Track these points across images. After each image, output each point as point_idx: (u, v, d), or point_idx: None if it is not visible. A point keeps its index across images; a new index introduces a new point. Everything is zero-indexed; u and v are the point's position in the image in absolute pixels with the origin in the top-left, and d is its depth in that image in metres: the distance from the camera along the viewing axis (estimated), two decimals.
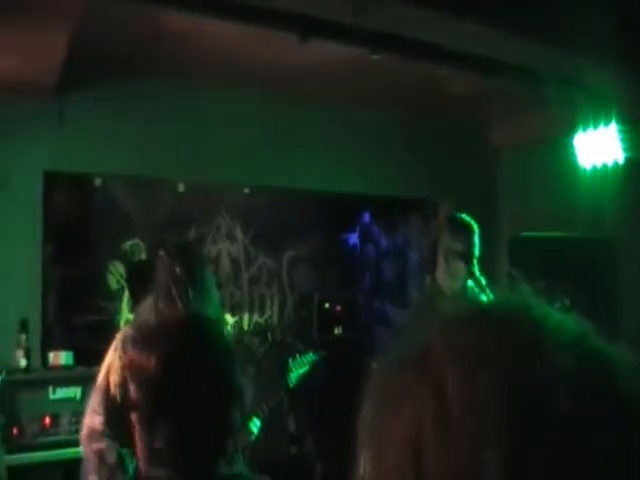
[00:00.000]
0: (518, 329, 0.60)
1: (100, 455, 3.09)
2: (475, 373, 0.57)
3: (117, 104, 5.34)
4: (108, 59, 4.96)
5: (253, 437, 3.58)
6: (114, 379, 3.13)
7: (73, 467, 3.41)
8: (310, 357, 4.34)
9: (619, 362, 0.59)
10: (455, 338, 0.62)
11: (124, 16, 4.21)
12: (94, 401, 3.22)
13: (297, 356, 4.68)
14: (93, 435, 3.14)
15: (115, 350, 3.21)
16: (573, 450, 0.53)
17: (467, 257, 3.68)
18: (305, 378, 4.25)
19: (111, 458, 3.07)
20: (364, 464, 0.63)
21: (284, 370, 6.33)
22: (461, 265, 3.68)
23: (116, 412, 3.10)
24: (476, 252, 3.73)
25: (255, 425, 3.61)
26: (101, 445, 3.10)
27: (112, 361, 3.18)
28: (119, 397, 3.09)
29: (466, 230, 3.78)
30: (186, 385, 1.59)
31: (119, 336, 3.27)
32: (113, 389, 3.12)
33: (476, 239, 3.75)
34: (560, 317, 0.62)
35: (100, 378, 3.21)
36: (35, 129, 5.01)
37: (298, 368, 4.22)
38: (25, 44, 4.02)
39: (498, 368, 0.57)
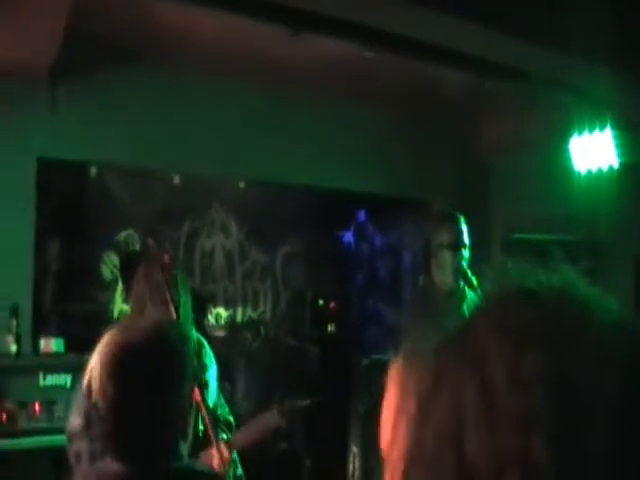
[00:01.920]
0: (565, 309, 0.58)
1: (77, 457, 3.14)
2: (522, 354, 0.54)
3: (112, 93, 5.35)
4: (104, 47, 4.97)
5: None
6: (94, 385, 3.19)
7: (62, 454, 3.41)
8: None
9: None
10: (499, 318, 0.59)
11: (121, 3, 4.22)
12: (78, 402, 3.28)
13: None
14: (74, 436, 3.19)
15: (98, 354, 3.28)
16: (624, 434, 0.52)
17: (454, 246, 3.68)
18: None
19: (85, 461, 3.11)
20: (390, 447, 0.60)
21: (275, 365, 6.35)
22: (449, 255, 3.68)
23: (94, 415, 3.18)
24: (464, 241, 3.72)
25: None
26: (79, 447, 3.15)
27: (94, 366, 3.24)
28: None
29: (449, 219, 3.79)
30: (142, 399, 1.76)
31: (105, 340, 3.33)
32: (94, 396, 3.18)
33: (461, 227, 3.73)
34: (603, 297, 0.60)
35: (84, 382, 3.26)
36: (29, 115, 5.02)
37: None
38: (19, 30, 4.03)
39: (546, 349, 0.54)
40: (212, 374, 3.39)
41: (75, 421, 3.21)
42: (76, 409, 3.24)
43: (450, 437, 0.55)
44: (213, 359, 3.42)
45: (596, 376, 0.53)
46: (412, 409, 0.60)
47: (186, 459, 1.87)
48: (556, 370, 0.53)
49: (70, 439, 3.19)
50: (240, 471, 3.40)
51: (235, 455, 3.44)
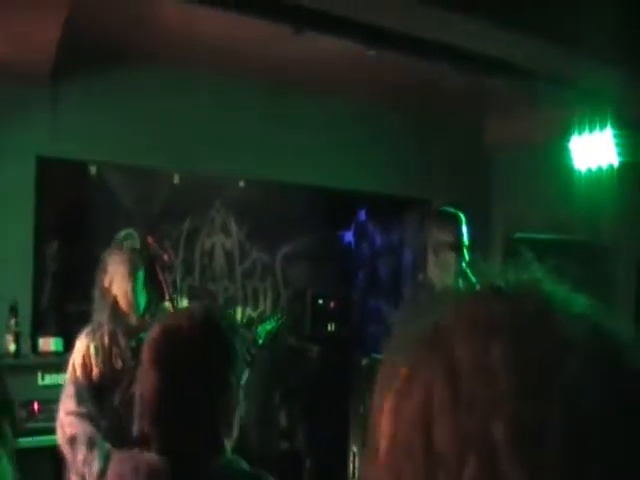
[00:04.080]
0: (528, 302, 0.61)
1: (72, 441, 3.11)
2: (487, 344, 0.57)
3: (112, 92, 5.34)
4: (103, 46, 4.97)
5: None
6: (84, 360, 3.21)
7: (60, 454, 3.41)
8: (276, 315, 4.50)
9: (625, 337, 0.60)
10: (466, 311, 0.63)
11: (121, 2, 4.21)
12: (68, 388, 3.26)
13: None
14: (65, 419, 3.17)
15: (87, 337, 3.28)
16: (581, 418, 0.54)
17: (456, 247, 3.67)
18: (272, 335, 4.36)
19: (83, 446, 3.09)
20: (371, 446, 0.63)
21: (275, 363, 6.33)
22: (451, 256, 3.67)
23: (85, 389, 3.18)
24: (465, 241, 3.72)
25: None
26: (73, 431, 3.12)
27: (85, 348, 3.25)
28: (84, 375, 3.18)
29: (452, 220, 3.78)
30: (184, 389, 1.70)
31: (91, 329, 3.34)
32: (79, 370, 3.20)
33: (463, 229, 3.73)
34: (569, 292, 0.63)
35: (72, 367, 3.27)
36: (28, 114, 5.01)
37: (265, 324, 4.30)
38: (19, 29, 4.02)
39: (509, 340, 0.57)
40: None
41: (67, 406, 3.19)
42: (66, 395, 3.23)
43: (420, 425, 0.58)
44: None
45: (554, 364, 0.56)
46: (389, 403, 0.63)
47: (230, 455, 1.77)
48: (518, 358, 0.57)
49: (62, 424, 3.17)
50: None
51: None
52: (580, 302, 0.62)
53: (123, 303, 3.36)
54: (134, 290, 3.35)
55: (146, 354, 1.73)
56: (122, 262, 3.38)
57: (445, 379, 0.58)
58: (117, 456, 1.88)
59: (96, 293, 3.45)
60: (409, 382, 0.61)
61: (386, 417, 0.62)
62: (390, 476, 0.60)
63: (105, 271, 3.42)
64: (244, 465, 1.78)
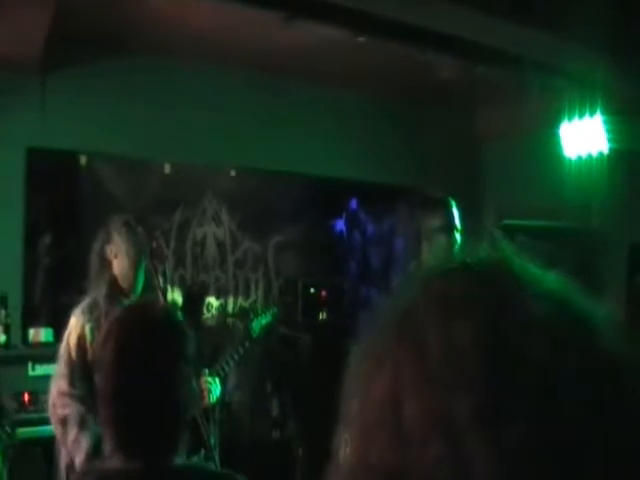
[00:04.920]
0: (498, 281, 0.61)
1: (63, 422, 3.08)
2: (455, 323, 0.57)
3: (101, 83, 5.32)
4: (93, 36, 4.94)
5: (214, 398, 3.57)
6: (80, 341, 3.17)
7: (51, 445, 3.41)
8: (271, 309, 4.50)
9: (597, 314, 0.59)
10: (436, 291, 0.62)
11: None
12: (60, 367, 3.22)
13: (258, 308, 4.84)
14: (58, 400, 3.13)
15: (83, 315, 3.24)
16: (544, 400, 0.54)
17: (447, 229, 3.65)
18: (267, 329, 4.36)
19: (74, 425, 3.06)
20: (346, 433, 0.63)
21: (266, 353, 6.33)
22: (443, 238, 3.65)
23: (79, 370, 3.14)
24: (456, 224, 3.69)
25: (215, 385, 3.61)
26: (66, 411, 3.09)
27: (81, 328, 3.20)
28: (79, 357, 3.14)
29: (439, 204, 3.76)
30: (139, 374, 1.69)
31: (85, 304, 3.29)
32: (74, 351, 3.16)
33: (453, 211, 3.71)
34: (540, 270, 0.62)
35: (65, 345, 3.22)
36: (17, 105, 4.98)
37: (260, 318, 4.28)
38: (8, 20, 4.00)
39: (478, 319, 0.57)
40: None
41: (61, 382, 3.16)
42: (60, 375, 3.19)
43: (390, 404, 0.58)
44: None
45: (521, 344, 0.55)
46: (360, 384, 0.62)
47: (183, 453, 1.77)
48: (485, 338, 0.56)
49: (54, 406, 3.14)
50: None
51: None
52: (550, 279, 0.61)
53: (123, 281, 3.31)
54: (136, 274, 3.31)
55: (106, 350, 1.72)
56: (133, 243, 3.29)
57: (414, 359, 0.58)
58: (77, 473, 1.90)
59: (94, 260, 3.37)
60: (380, 363, 0.61)
61: (357, 398, 0.62)
62: (359, 456, 0.60)
63: (109, 241, 3.33)
64: (208, 466, 1.78)
